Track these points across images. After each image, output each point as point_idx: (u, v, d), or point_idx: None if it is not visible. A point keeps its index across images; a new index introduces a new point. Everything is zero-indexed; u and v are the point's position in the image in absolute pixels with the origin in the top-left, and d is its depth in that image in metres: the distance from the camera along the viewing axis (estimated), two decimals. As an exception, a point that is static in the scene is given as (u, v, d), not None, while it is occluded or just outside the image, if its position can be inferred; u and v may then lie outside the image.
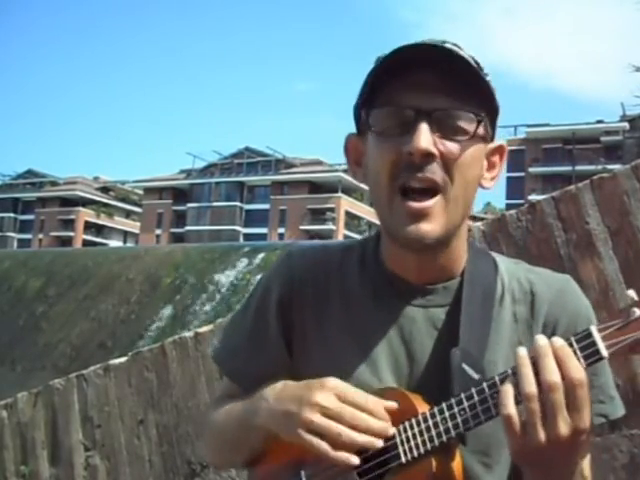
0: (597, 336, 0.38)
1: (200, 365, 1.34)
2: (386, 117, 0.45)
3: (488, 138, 0.48)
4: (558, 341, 0.39)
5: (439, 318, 0.49)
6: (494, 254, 0.53)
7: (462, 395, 0.42)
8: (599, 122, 23.19)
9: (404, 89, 0.44)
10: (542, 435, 0.38)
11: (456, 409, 0.42)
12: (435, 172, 0.44)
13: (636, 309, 0.38)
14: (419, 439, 0.43)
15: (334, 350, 0.49)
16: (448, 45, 0.44)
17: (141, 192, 31.74)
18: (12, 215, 32.31)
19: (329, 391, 0.44)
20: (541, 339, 0.40)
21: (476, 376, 0.43)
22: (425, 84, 0.44)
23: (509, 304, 0.49)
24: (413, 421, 0.43)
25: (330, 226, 25.48)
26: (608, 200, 0.86)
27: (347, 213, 26.47)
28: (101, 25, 72.85)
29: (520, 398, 0.39)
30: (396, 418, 0.44)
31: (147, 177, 31.55)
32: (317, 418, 0.43)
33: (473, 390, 0.42)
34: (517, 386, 0.39)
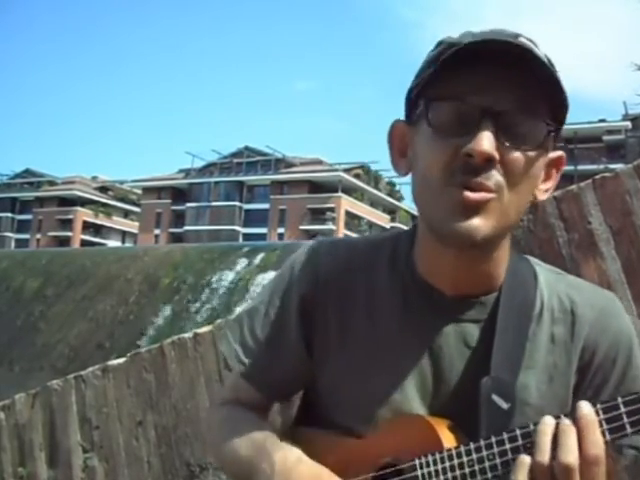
0: None
1: (199, 366, 1.34)
2: (447, 112, 0.41)
3: (550, 147, 0.44)
4: (584, 408, 0.36)
5: (472, 335, 0.45)
6: (534, 262, 0.50)
7: (493, 439, 0.40)
8: (601, 121, 23.08)
9: (471, 84, 0.40)
10: None
11: (484, 453, 0.39)
12: (491, 178, 0.41)
13: None
14: (442, 477, 0.40)
15: (356, 359, 0.46)
16: (523, 40, 0.40)
17: (140, 192, 31.55)
18: (10, 215, 32.06)
19: None
20: (580, 408, 0.36)
21: (505, 406, 0.41)
22: (495, 82, 0.40)
23: (547, 323, 0.46)
24: (437, 457, 0.41)
25: (330, 226, 25.35)
26: (610, 200, 0.86)
27: (347, 213, 26.29)
28: (99, 23, 72.87)
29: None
30: (419, 448, 0.42)
31: (146, 177, 31.35)
32: None
33: (505, 436, 0.39)
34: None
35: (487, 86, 0.40)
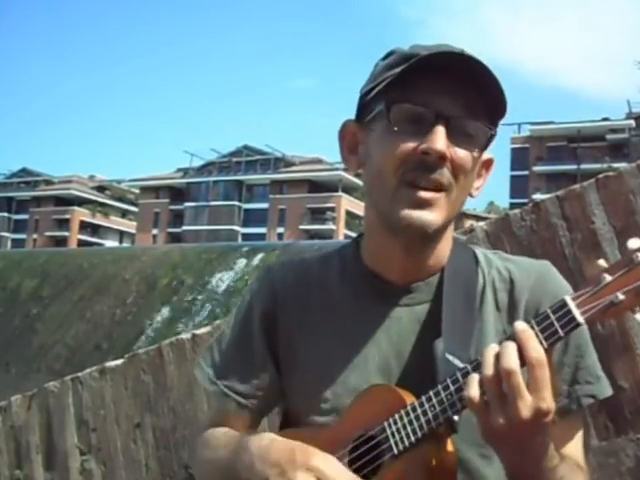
0: (572, 304, 0.40)
1: (198, 367, 1.32)
2: (406, 113, 0.46)
3: (486, 148, 0.49)
4: (520, 324, 0.40)
5: (422, 314, 0.49)
6: (474, 247, 0.55)
7: (448, 380, 0.42)
8: (604, 120, 22.93)
9: (426, 89, 0.46)
10: (503, 417, 0.39)
11: (443, 394, 0.42)
12: (443, 175, 0.46)
13: (606, 275, 0.39)
14: (409, 429, 0.43)
15: (321, 357, 0.49)
16: (469, 53, 0.46)
17: (137, 191, 31.57)
18: (6, 214, 32.11)
19: (311, 472, 0.42)
20: (515, 326, 0.41)
21: (461, 365, 0.44)
22: (447, 90, 0.45)
23: (490, 294, 0.50)
24: (402, 412, 0.43)
25: (330, 226, 25.41)
26: (614, 199, 0.85)
27: (347, 212, 26.27)
28: (97, 21, 72.67)
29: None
30: (386, 413, 0.44)
31: (144, 176, 31.28)
32: None
33: (458, 374, 0.42)
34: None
35: (440, 93, 0.46)
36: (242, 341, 0.53)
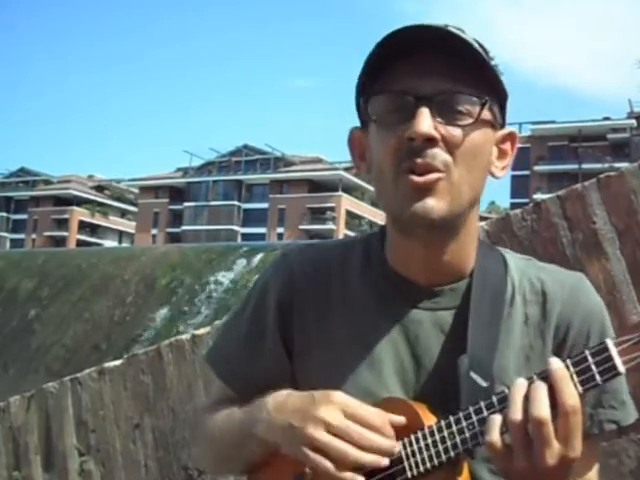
0: (614, 350, 0.37)
1: (197, 368, 1.32)
2: (386, 104, 0.44)
3: (497, 124, 0.46)
4: (556, 363, 0.38)
5: (446, 321, 0.47)
6: (503, 250, 0.52)
7: (470, 409, 0.40)
8: (606, 119, 22.79)
9: (404, 74, 0.43)
10: (527, 463, 0.37)
11: (464, 423, 0.40)
12: (435, 157, 0.43)
13: None
14: (425, 454, 0.41)
15: (336, 354, 0.48)
16: (450, 28, 0.43)
17: (137, 191, 31.45)
18: (4, 214, 31.91)
19: (335, 406, 0.42)
20: (536, 377, 0.38)
21: (484, 384, 0.42)
22: (426, 68, 0.43)
23: (520, 305, 0.47)
24: (419, 434, 0.42)
25: (330, 226, 25.22)
26: (615, 199, 0.85)
27: (348, 212, 26.19)
28: (95, 20, 72.60)
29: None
30: (401, 431, 0.42)
31: (143, 175, 31.24)
32: (322, 436, 0.42)
33: (482, 404, 0.40)
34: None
35: (420, 73, 0.43)
36: (255, 327, 0.50)
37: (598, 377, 0.37)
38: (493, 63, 0.44)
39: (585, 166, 20.61)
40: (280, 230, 26.02)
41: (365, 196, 27.15)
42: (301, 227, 25.48)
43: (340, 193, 25.77)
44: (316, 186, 26.28)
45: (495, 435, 0.38)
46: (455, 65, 0.42)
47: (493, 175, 0.47)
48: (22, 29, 75.10)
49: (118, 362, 1.47)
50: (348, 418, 0.42)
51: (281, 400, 0.45)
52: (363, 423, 0.42)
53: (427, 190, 0.43)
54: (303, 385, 0.49)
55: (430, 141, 0.43)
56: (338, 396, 0.43)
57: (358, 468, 0.41)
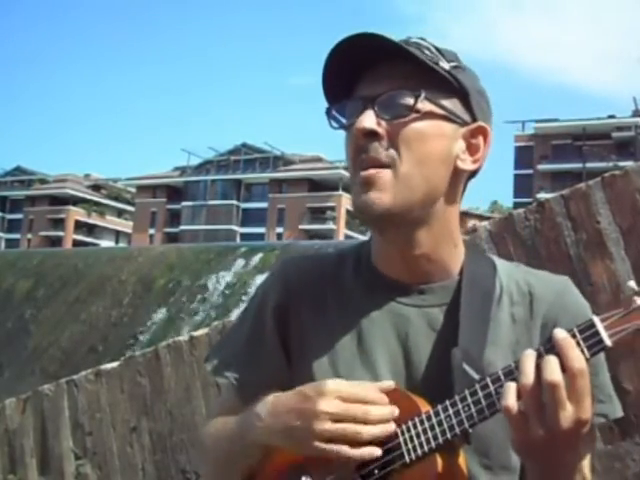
0: (600, 325, 0.39)
1: (195, 370, 1.30)
2: (347, 109, 0.48)
3: (456, 119, 0.47)
4: (561, 332, 0.40)
5: (435, 318, 0.48)
6: (492, 256, 0.55)
7: (466, 392, 0.42)
8: (610, 117, 22.65)
9: (359, 82, 0.48)
10: (542, 427, 0.39)
11: (460, 406, 0.41)
12: (378, 151, 0.45)
13: (637, 298, 0.39)
14: (423, 438, 0.42)
15: (332, 354, 0.49)
16: (364, 32, 0.46)
17: (134, 190, 31.43)
18: (0, 214, 31.83)
19: (329, 396, 0.43)
20: (555, 333, 0.40)
21: (477, 376, 0.43)
22: (373, 75, 0.47)
23: (507, 305, 0.49)
24: (416, 420, 0.43)
25: (330, 225, 25.21)
26: (620, 198, 0.84)
27: (348, 212, 26.14)
28: (92, 19, 72.27)
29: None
30: (399, 418, 0.43)
31: (140, 175, 31.15)
32: (331, 426, 0.42)
33: (477, 386, 0.41)
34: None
35: (369, 80, 0.47)
36: (254, 334, 0.52)
37: (586, 351, 0.39)
38: (450, 65, 0.47)
39: (589, 165, 20.50)
40: (279, 230, 25.99)
41: (365, 196, 26.75)
42: (301, 227, 25.46)
43: (340, 192, 25.65)
44: (316, 185, 26.26)
45: (511, 400, 0.39)
46: (404, 70, 0.46)
47: (460, 168, 0.48)
48: (16, 27, 74.85)
49: (115, 364, 1.46)
50: (345, 401, 0.43)
51: (271, 404, 0.46)
52: (360, 401, 0.43)
53: (370, 184, 0.45)
54: (300, 384, 0.50)
55: (372, 136, 0.45)
56: (329, 385, 0.44)
57: (369, 444, 0.42)
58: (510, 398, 0.39)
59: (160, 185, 29.74)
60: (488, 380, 0.41)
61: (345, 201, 26.06)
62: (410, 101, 0.45)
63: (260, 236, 25.03)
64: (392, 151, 0.45)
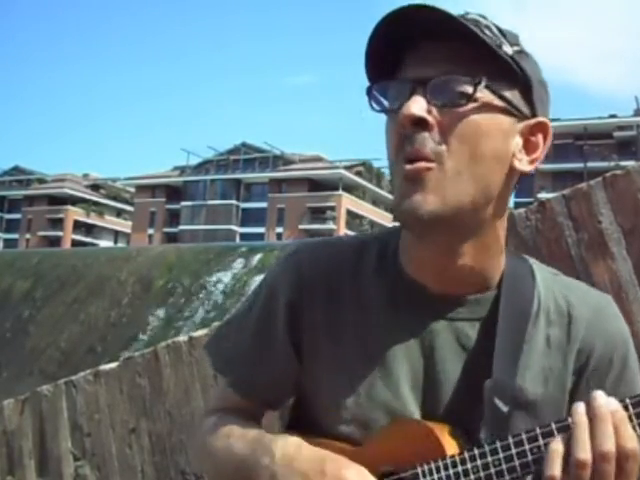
0: None
1: (195, 371, 1.30)
2: (385, 91, 0.42)
3: (515, 112, 0.42)
4: (613, 403, 0.36)
5: (465, 333, 0.44)
6: (530, 260, 0.49)
7: (498, 444, 0.39)
8: (612, 117, 22.49)
9: (406, 62, 0.42)
10: None
11: (490, 459, 0.38)
12: (425, 143, 0.40)
13: None
14: None
15: (347, 362, 0.45)
16: (457, 13, 0.40)
17: (133, 190, 31.17)
18: (-2, 214, 31.74)
19: None
20: (600, 397, 0.36)
21: (505, 409, 0.40)
22: (427, 54, 0.41)
23: (543, 326, 0.44)
24: (440, 464, 0.40)
25: (331, 225, 24.98)
26: (621, 198, 0.83)
27: (348, 212, 25.95)
28: (90, 17, 72.11)
29: (569, 461, 0.36)
30: (420, 456, 0.40)
31: (139, 174, 30.97)
32: None
33: (510, 440, 0.38)
34: (567, 447, 0.36)
35: (420, 60, 0.41)
36: (263, 330, 0.47)
37: (639, 429, 0.36)
38: (514, 49, 0.41)
39: (590, 164, 20.28)
40: (279, 230, 25.77)
41: (366, 195, 27.07)
42: (301, 227, 25.22)
43: (340, 192, 25.49)
44: (316, 185, 26.04)
45: (557, 471, 0.36)
46: (462, 50, 0.40)
47: (516, 168, 0.43)
48: (16, 27, 74.64)
49: (114, 365, 1.45)
50: None
51: (290, 453, 0.41)
52: None
53: (415, 181, 0.40)
54: (310, 390, 0.47)
55: (420, 125, 0.40)
56: (351, 474, 0.39)
57: None
58: (555, 469, 0.35)
59: (159, 185, 29.50)
60: (524, 436, 0.37)
61: (345, 201, 25.96)
62: (468, 88, 0.39)
63: (260, 236, 24.85)
64: (442, 144, 0.39)
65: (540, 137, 0.44)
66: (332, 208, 25.61)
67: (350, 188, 26.11)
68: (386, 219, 27.78)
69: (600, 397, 0.37)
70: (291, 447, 0.42)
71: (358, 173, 26.93)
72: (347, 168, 26.37)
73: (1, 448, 1.66)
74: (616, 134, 22.01)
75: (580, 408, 0.37)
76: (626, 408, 0.36)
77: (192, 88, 77.05)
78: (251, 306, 0.49)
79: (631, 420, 0.36)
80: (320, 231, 24.42)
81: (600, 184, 0.85)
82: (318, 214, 25.65)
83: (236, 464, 0.45)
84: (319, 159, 27.77)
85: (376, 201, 27.81)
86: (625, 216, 0.83)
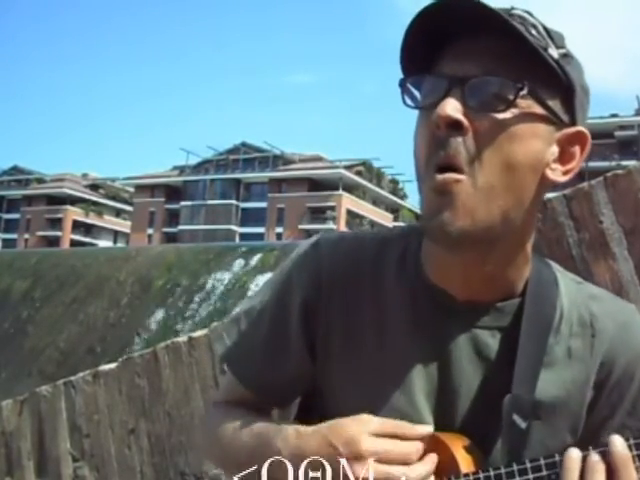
0: None
1: (194, 371, 1.29)
2: (419, 86, 0.40)
3: (555, 120, 0.39)
4: (619, 444, 0.35)
5: (484, 342, 0.42)
6: (555, 266, 0.47)
7: (515, 467, 0.38)
8: (613, 116, 22.45)
9: (443, 57, 0.39)
10: None
11: None
12: (459, 149, 0.37)
13: None
14: None
15: (362, 365, 0.44)
16: (501, 8, 0.38)
17: (132, 190, 31.22)
18: (-3, 214, 31.72)
19: (364, 460, 0.37)
20: (594, 455, 0.35)
21: (523, 425, 0.39)
22: (466, 51, 0.38)
23: (565, 337, 0.43)
24: None
25: (331, 225, 24.90)
26: (623, 198, 0.83)
27: (348, 212, 25.92)
28: (89, 17, 72.02)
29: None
30: (435, 471, 0.40)
31: (138, 174, 31.01)
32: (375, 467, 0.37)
33: (528, 465, 0.38)
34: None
35: (458, 56, 0.39)
36: (277, 329, 0.46)
37: None
38: (559, 52, 0.38)
39: (592, 164, 19.79)
40: (279, 230, 25.75)
41: (366, 195, 27.04)
42: (301, 227, 25.17)
43: (341, 192, 25.43)
44: (316, 185, 26.00)
45: None
46: (504, 50, 0.37)
47: (549, 178, 0.40)
48: (15, 26, 74.52)
49: (113, 365, 1.45)
50: (383, 463, 0.38)
51: (293, 440, 0.41)
52: (400, 460, 0.38)
53: (444, 194, 0.37)
54: (323, 393, 0.46)
55: (455, 128, 0.37)
56: (365, 444, 0.38)
57: None
58: None
59: (159, 185, 29.54)
60: (542, 462, 0.37)
61: (345, 201, 25.97)
62: (509, 93, 0.36)
63: (259, 236, 24.85)
64: (475, 153, 0.37)
65: (577, 148, 0.41)
66: (332, 208, 25.56)
67: (350, 188, 26.04)
68: (386, 219, 27.62)
69: (614, 443, 0.35)
70: (290, 433, 0.41)
71: (358, 173, 26.94)
72: (347, 168, 26.31)
73: (0, 449, 1.65)
74: (617, 134, 21.92)
75: (573, 453, 0.36)
76: (630, 448, 0.35)
77: (191, 88, 77.10)
78: (265, 301, 0.47)
79: (634, 461, 0.35)
80: (320, 231, 24.17)
81: (601, 184, 0.85)
82: (318, 214, 25.62)
83: (246, 452, 0.44)
84: (319, 159, 27.73)
85: (376, 201, 27.79)
86: (626, 216, 0.83)
